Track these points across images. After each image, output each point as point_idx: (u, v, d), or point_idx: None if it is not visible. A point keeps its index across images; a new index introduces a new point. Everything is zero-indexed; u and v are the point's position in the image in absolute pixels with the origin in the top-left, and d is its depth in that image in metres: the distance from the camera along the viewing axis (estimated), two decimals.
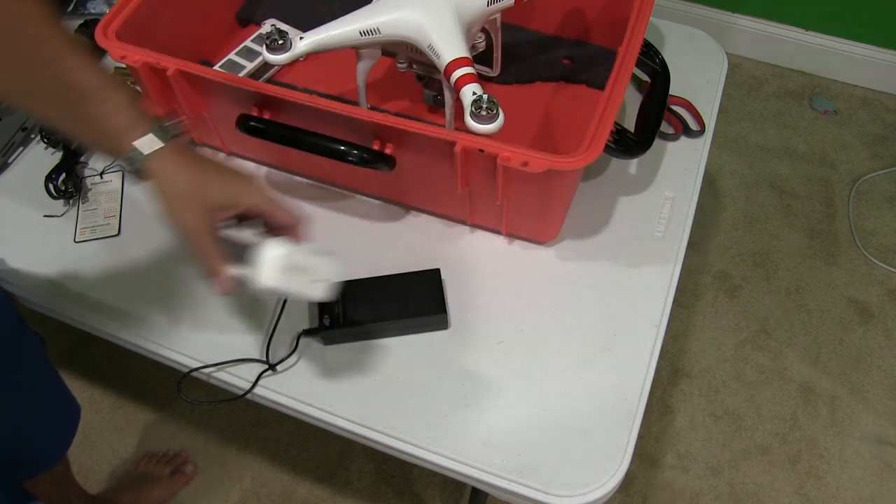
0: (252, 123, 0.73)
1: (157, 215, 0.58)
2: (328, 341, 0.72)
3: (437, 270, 0.74)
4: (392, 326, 0.72)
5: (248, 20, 0.97)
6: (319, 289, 0.60)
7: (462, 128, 0.68)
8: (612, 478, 0.64)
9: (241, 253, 0.59)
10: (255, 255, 0.58)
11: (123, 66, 0.95)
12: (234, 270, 0.59)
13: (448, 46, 0.69)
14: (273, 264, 0.57)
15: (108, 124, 0.55)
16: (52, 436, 0.83)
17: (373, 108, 0.86)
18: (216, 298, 0.76)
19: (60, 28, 0.52)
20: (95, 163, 0.88)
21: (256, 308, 0.76)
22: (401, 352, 0.72)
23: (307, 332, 0.72)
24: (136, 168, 0.56)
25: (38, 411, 0.78)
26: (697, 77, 0.94)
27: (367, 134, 0.71)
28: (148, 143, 0.55)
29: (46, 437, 0.82)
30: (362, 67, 0.79)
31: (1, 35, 0.50)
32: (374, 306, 0.72)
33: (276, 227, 0.62)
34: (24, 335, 0.76)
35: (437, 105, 0.87)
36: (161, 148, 0.56)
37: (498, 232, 0.80)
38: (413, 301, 0.72)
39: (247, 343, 0.73)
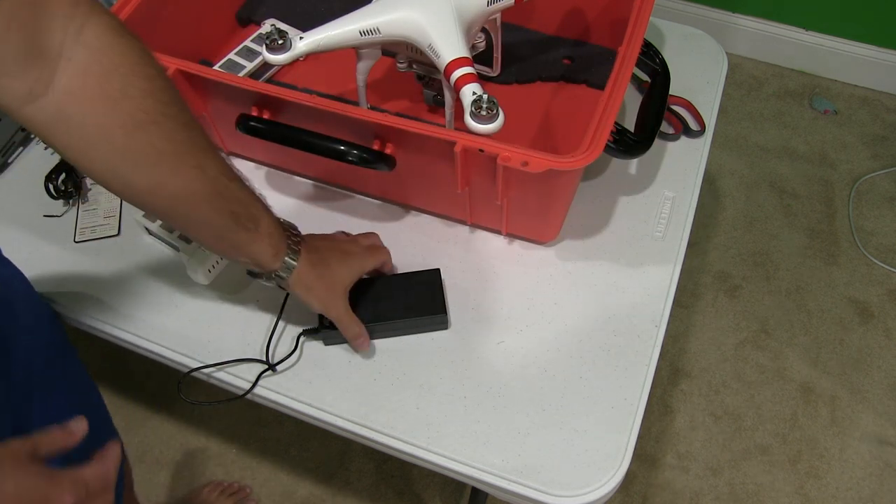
0: (252, 123, 0.73)
1: (309, 307, 0.67)
2: (328, 341, 0.72)
3: (438, 271, 0.74)
4: (392, 326, 0.72)
5: (248, 20, 0.97)
6: None
7: (462, 128, 0.68)
8: (612, 478, 0.64)
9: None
10: None
11: None
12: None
13: (448, 46, 0.69)
14: None
15: (258, 249, 0.61)
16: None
17: (373, 108, 0.86)
18: (215, 298, 0.77)
19: (218, 156, 0.56)
20: None
21: (256, 308, 0.76)
22: (401, 352, 0.72)
23: (307, 333, 0.72)
24: (278, 284, 0.64)
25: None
26: (697, 77, 0.94)
27: (367, 134, 0.71)
28: (290, 262, 0.63)
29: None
30: (362, 67, 0.79)
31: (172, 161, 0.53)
32: (374, 306, 0.72)
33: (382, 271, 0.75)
34: (73, 356, 0.76)
35: (437, 105, 0.87)
36: (299, 263, 0.64)
37: (498, 232, 0.80)
38: (414, 301, 0.72)
39: (247, 343, 0.73)
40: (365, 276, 0.72)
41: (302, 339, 0.72)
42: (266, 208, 0.61)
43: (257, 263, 0.62)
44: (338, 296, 0.68)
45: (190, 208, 0.55)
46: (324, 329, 0.71)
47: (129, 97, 0.48)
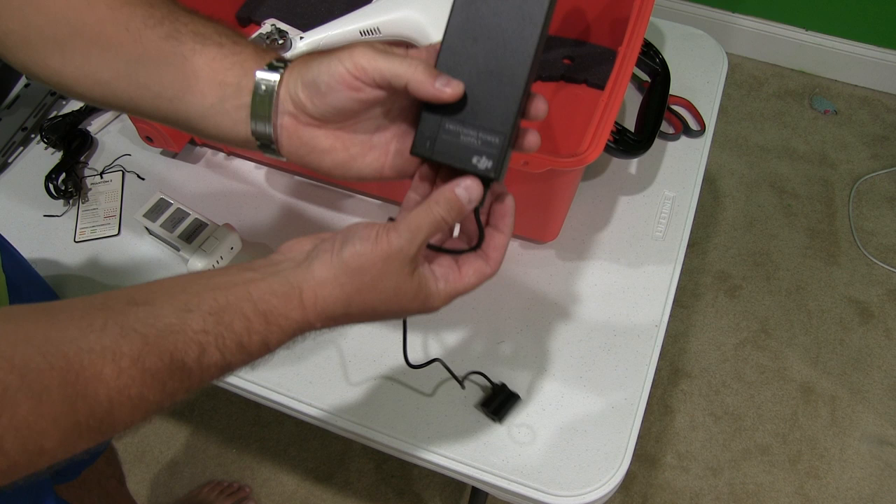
0: None
1: (331, 83, 0.44)
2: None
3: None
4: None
5: (248, 20, 0.97)
6: None
7: None
8: (612, 478, 0.64)
9: None
10: None
11: None
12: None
13: None
14: None
15: (238, 61, 0.47)
16: None
17: None
18: None
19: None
20: (95, 163, 0.88)
21: None
22: (400, 352, 0.72)
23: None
24: (270, 88, 0.46)
25: None
26: (697, 77, 0.94)
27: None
28: (281, 59, 0.47)
29: None
30: None
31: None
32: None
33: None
34: None
35: None
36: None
37: None
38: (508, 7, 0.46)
39: None
40: None
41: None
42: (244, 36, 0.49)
43: (241, 73, 0.46)
44: (367, 45, 0.45)
45: (140, 47, 0.46)
46: (481, 164, 0.46)
47: None
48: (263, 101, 0.45)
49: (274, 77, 0.45)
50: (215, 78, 0.46)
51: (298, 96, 0.45)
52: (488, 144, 0.45)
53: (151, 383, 0.37)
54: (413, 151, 0.47)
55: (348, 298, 0.43)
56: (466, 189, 0.44)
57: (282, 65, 0.46)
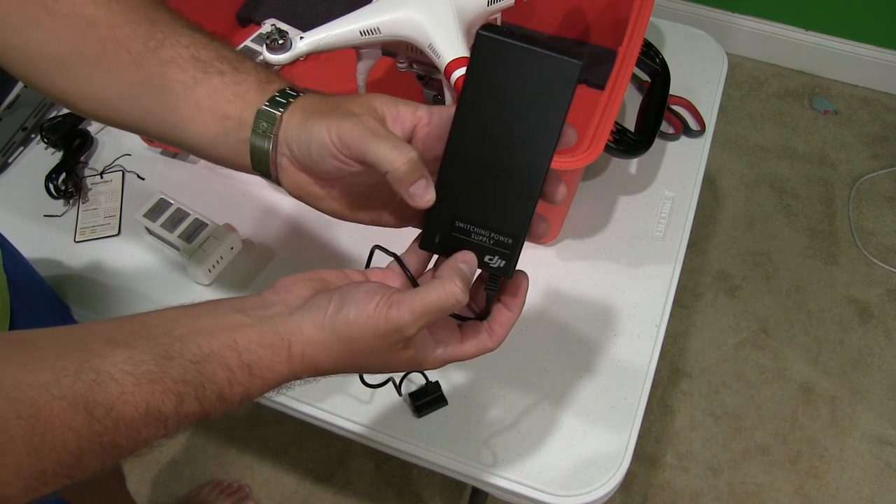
0: None
1: (314, 154, 0.43)
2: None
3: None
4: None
5: (248, 20, 0.97)
6: None
7: None
8: (612, 478, 0.64)
9: None
10: None
11: None
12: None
13: (448, 46, 0.69)
14: None
15: (240, 91, 0.45)
16: None
17: None
18: (214, 296, 0.76)
19: (169, 10, 0.47)
20: (95, 163, 0.88)
21: None
22: None
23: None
24: (267, 127, 0.44)
25: None
26: (697, 77, 0.94)
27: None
28: (282, 95, 0.45)
29: None
30: (362, 67, 0.79)
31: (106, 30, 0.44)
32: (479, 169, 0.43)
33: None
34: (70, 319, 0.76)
35: (437, 105, 0.87)
36: (299, 96, 0.45)
37: None
38: (525, 95, 0.42)
39: None
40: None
41: None
42: (247, 56, 0.47)
43: (242, 107, 0.45)
44: (360, 110, 0.42)
45: (142, 71, 0.45)
46: (494, 263, 0.45)
47: None
48: (262, 141, 0.44)
49: (274, 116, 0.43)
50: (217, 110, 0.45)
51: (292, 149, 0.43)
52: (502, 245, 0.44)
53: (125, 431, 0.36)
54: (421, 246, 0.45)
55: (336, 361, 0.42)
56: (468, 264, 0.43)
57: (284, 101, 0.44)
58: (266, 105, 0.44)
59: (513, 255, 0.45)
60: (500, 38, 0.40)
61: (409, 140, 0.44)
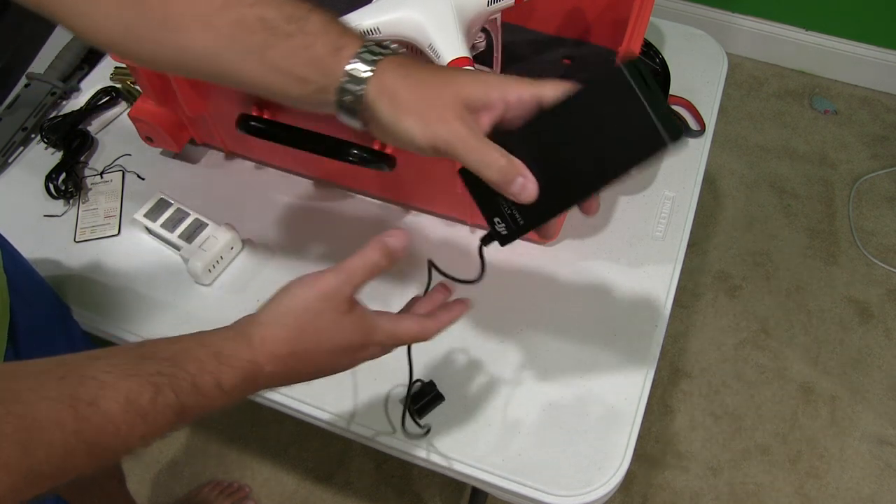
0: (252, 123, 0.73)
1: (400, 142, 0.46)
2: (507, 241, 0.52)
3: (620, 68, 0.44)
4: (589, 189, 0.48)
5: None
6: None
7: None
8: (612, 478, 0.64)
9: None
10: None
11: (124, 66, 0.95)
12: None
13: (448, 46, 0.69)
14: None
15: (311, 54, 0.45)
16: None
17: None
18: (215, 298, 0.76)
19: None
20: (95, 163, 0.88)
21: (257, 308, 0.76)
22: (400, 352, 0.72)
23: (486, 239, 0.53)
24: (352, 103, 0.45)
25: None
26: (697, 77, 0.94)
27: (367, 134, 0.71)
28: (362, 61, 0.45)
29: None
30: None
31: None
32: (548, 163, 0.46)
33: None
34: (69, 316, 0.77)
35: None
36: (379, 63, 0.45)
37: None
38: (610, 138, 0.45)
39: None
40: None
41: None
42: (314, 7, 0.46)
43: (320, 78, 0.45)
44: (448, 106, 0.44)
45: (209, 32, 0.45)
46: (500, 236, 0.50)
47: None
48: (349, 112, 0.46)
49: (359, 95, 0.45)
50: (294, 73, 0.45)
51: (381, 129, 0.46)
52: (514, 221, 0.48)
53: (107, 427, 0.38)
54: (464, 179, 0.48)
55: (291, 337, 0.45)
56: (397, 239, 0.48)
57: (365, 72, 0.44)
58: (346, 81, 0.45)
59: (516, 234, 0.49)
60: (630, 81, 0.43)
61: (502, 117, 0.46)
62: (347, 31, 0.46)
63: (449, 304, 0.53)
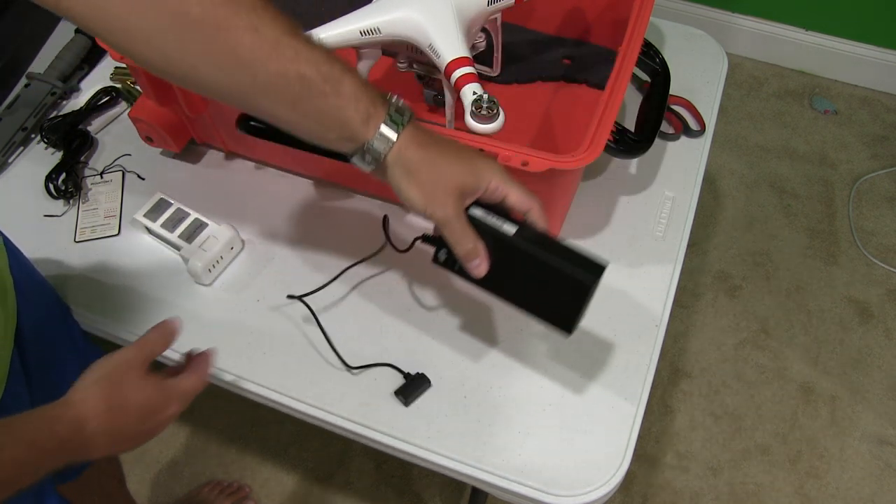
0: (252, 123, 0.73)
1: (405, 200, 0.54)
2: (444, 260, 0.62)
3: (593, 279, 0.56)
4: (508, 301, 0.61)
5: None
6: None
7: (462, 127, 0.68)
8: (612, 478, 0.64)
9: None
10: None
11: (124, 65, 0.95)
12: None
13: (448, 46, 0.69)
14: None
15: (343, 116, 0.51)
16: None
17: None
18: (215, 298, 0.76)
19: (273, 13, 0.49)
20: (95, 163, 0.88)
21: (257, 307, 0.76)
22: (399, 352, 0.72)
23: (426, 240, 0.63)
24: (374, 158, 0.53)
25: None
26: (697, 77, 0.94)
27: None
28: (387, 132, 0.52)
29: None
30: (363, 67, 0.79)
31: (214, 32, 0.47)
32: (495, 274, 0.59)
33: (512, 210, 0.58)
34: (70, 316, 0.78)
35: (437, 105, 0.87)
36: (400, 136, 0.53)
37: None
38: (543, 299, 0.60)
39: (247, 342, 0.73)
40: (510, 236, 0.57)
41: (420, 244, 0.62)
42: (347, 68, 0.51)
43: (348, 135, 0.52)
44: (448, 192, 0.54)
45: (248, 76, 0.49)
46: (439, 241, 0.60)
47: None
48: (368, 166, 0.54)
49: (379, 157, 0.53)
50: (324, 125, 0.52)
51: (392, 185, 0.55)
52: (453, 264, 0.60)
53: None
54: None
55: (105, 395, 0.52)
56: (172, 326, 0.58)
57: (388, 139, 0.52)
58: (371, 146, 0.52)
59: (448, 269, 0.61)
60: (590, 290, 0.56)
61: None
62: (376, 98, 0.52)
63: (201, 354, 0.60)
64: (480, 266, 0.57)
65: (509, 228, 0.57)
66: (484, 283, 0.59)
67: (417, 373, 0.70)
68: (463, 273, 0.59)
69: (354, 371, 0.71)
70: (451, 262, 0.60)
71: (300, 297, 0.74)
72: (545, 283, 0.58)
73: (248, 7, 0.48)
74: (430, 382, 0.69)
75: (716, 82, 0.94)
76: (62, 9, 0.47)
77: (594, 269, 0.56)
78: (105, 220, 0.83)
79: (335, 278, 0.75)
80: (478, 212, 0.57)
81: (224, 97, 0.51)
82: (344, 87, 0.50)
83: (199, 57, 0.48)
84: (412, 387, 0.69)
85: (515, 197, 0.57)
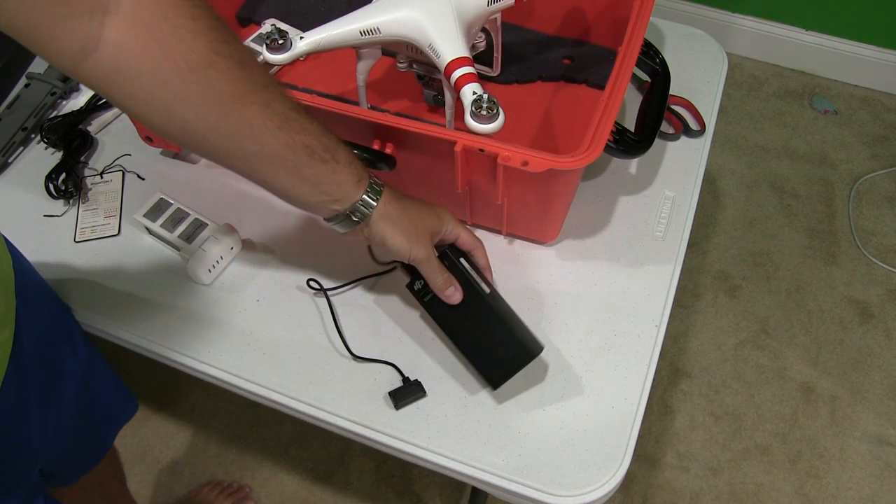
0: None
1: (388, 250, 0.64)
2: (423, 297, 0.69)
3: (534, 354, 0.67)
4: (456, 343, 0.70)
5: (248, 20, 0.97)
6: None
7: (462, 127, 0.68)
8: (612, 478, 0.64)
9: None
10: None
11: None
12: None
13: (448, 46, 0.69)
14: None
15: (339, 178, 0.59)
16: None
17: (373, 108, 0.86)
18: (215, 298, 0.76)
19: (281, 91, 0.54)
20: (95, 163, 0.88)
21: (257, 308, 0.76)
22: (400, 353, 0.72)
23: (409, 287, 0.70)
24: (363, 216, 0.61)
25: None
26: (697, 77, 0.94)
27: (367, 134, 0.71)
28: (375, 191, 0.61)
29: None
30: (362, 67, 0.79)
31: (231, 105, 0.51)
32: (455, 315, 0.68)
33: (464, 249, 0.69)
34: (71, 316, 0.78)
35: (437, 105, 0.87)
36: (383, 195, 0.62)
37: (498, 232, 0.80)
38: (485, 351, 0.68)
39: (247, 343, 0.73)
40: (478, 285, 0.67)
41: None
42: (340, 139, 0.59)
43: (339, 196, 0.60)
44: (423, 236, 0.64)
45: (258, 145, 0.54)
46: (416, 272, 0.67)
47: (180, 40, 0.47)
48: (351, 224, 0.62)
49: (366, 214, 0.61)
50: (318, 186, 0.58)
51: (371, 238, 0.64)
52: (425, 296, 0.68)
53: None
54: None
55: None
56: None
57: (372, 199, 0.61)
58: (360, 204, 0.61)
59: (420, 300, 0.69)
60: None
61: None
62: (361, 166, 0.61)
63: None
64: (455, 294, 0.66)
65: (485, 287, 0.67)
66: (443, 321, 0.69)
67: (415, 379, 0.70)
68: (429, 305, 0.68)
69: (357, 360, 0.71)
70: (424, 293, 0.68)
71: (324, 290, 0.75)
72: (498, 340, 0.67)
73: (261, 84, 0.52)
74: (424, 392, 0.69)
75: (716, 82, 0.94)
76: (80, 75, 0.47)
77: (537, 346, 0.67)
78: (105, 220, 0.83)
79: (359, 280, 0.76)
80: (448, 260, 0.67)
81: (229, 163, 0.56)
82: (340, 156, 0.58)
83: (213, 128, 0.52)
84: (406, 392, 0.69)
85: (464, 238, 0.68)
